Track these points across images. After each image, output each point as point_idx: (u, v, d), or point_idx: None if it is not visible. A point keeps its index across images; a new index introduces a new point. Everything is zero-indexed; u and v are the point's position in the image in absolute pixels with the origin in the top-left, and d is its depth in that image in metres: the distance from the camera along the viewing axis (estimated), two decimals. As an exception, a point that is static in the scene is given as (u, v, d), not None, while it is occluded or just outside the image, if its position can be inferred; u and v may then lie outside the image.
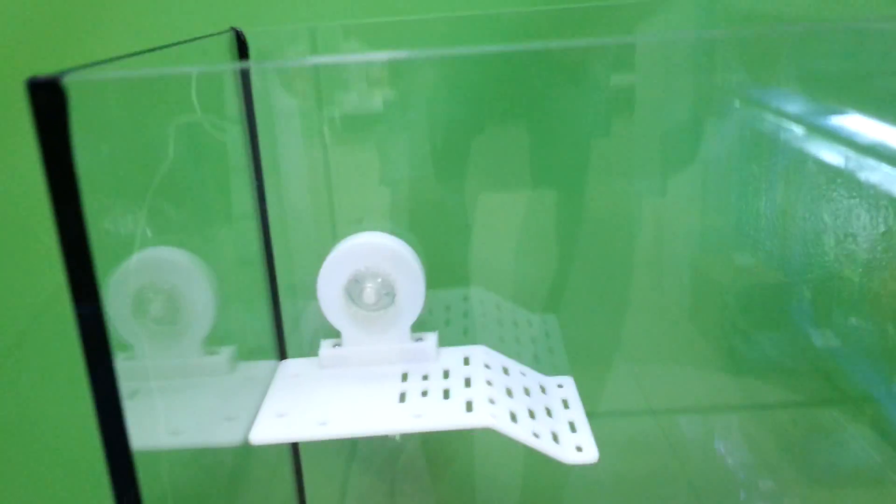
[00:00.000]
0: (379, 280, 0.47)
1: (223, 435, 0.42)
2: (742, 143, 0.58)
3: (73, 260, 0.27)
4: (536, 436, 0.42)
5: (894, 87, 0.49)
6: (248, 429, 0.42)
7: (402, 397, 0.44)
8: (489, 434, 0.41)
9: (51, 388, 0.62)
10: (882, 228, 0.49)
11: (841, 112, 0.52)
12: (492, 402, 0.43)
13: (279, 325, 0.53)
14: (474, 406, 0.43)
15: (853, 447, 0.55)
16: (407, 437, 0.67)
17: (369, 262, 0.47)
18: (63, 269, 0.28)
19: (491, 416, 0.41)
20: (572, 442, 0.43)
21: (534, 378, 0.49)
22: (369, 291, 0.46)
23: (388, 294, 0.47)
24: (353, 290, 0.47)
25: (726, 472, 0.63)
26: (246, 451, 0.48)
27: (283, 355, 0.54)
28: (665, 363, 0.63)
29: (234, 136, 0.47)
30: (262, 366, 0.50)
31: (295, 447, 0.61)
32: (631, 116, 0.58)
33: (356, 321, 0.48)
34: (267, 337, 0.52)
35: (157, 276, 0.45)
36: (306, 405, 0.44)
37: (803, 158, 0.55)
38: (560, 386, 0.49)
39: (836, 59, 0.52)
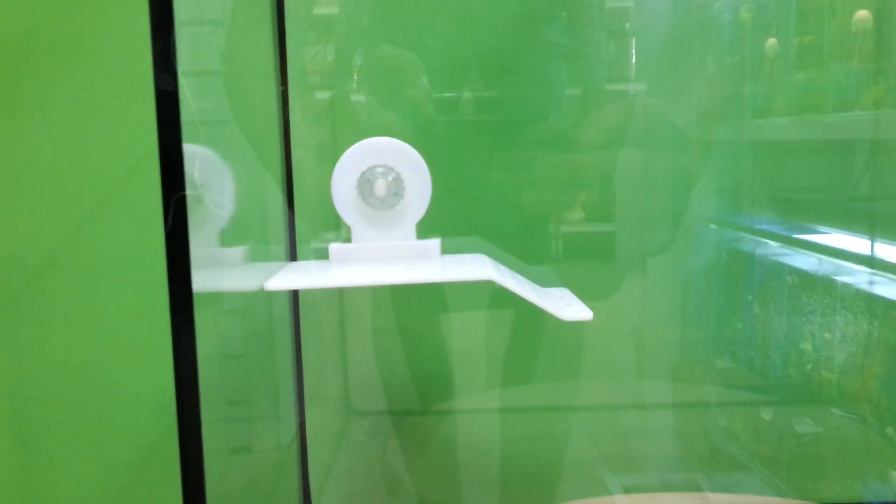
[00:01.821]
0: (390, 177, 0.51)
1: (242, 284, 0.44)
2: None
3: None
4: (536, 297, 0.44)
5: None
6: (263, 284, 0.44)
7: (408, 269, 0.47)
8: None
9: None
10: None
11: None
12: (495, 270, 0.46)
13: (292, 234, 0.56)
14: (477, 269, 0.45)
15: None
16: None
17: (382, 159, 0.50)
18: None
19: (494, 271, 0.44)
20: (569, 310, 0.46)
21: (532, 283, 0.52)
22: (381, 184, 0.50)
23: (396, 194, 0.51)
24: (365, 187, 0.51)
25: None
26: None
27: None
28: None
29: (265, 40, 0.53)
30: (274, 264, 0.52)
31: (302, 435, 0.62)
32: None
33: (366, 218, 0.51)
34: (280, 247, 0.55)
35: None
36: (316, 273, 0.47)
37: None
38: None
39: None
